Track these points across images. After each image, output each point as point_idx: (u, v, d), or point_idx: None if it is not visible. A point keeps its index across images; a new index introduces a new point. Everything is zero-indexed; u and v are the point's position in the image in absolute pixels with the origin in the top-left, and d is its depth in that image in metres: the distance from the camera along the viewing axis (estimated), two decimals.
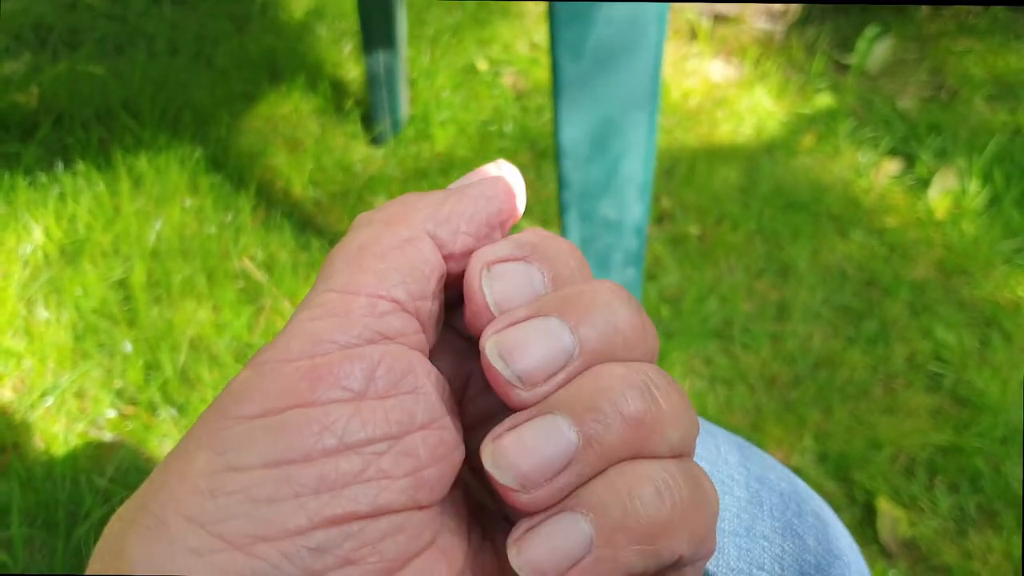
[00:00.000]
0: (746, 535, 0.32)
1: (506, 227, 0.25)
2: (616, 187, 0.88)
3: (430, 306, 0.23)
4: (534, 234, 0.24)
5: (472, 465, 0.26)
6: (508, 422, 0.21)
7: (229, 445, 0.20)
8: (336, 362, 0.21)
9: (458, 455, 0.22)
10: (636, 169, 0.87)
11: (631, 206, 0.90)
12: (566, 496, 0.21)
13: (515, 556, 0.20)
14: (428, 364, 0.22)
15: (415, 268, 0.23)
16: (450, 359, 0.26)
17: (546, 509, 0.21)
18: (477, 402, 0.26)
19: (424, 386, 0.22)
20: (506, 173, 0.25)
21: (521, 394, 0.21)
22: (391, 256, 0.22)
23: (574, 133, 0.84)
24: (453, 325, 0.27)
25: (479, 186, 0.25)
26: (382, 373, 0.21)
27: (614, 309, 0.22)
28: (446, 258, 0.24)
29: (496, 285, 0.23)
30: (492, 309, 0.23)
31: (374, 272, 0.22)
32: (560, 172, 0.88)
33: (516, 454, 0.20)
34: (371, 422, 0.20)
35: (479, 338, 0.22)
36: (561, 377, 0.21)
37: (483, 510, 0.25)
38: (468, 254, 0.24)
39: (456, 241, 0.24)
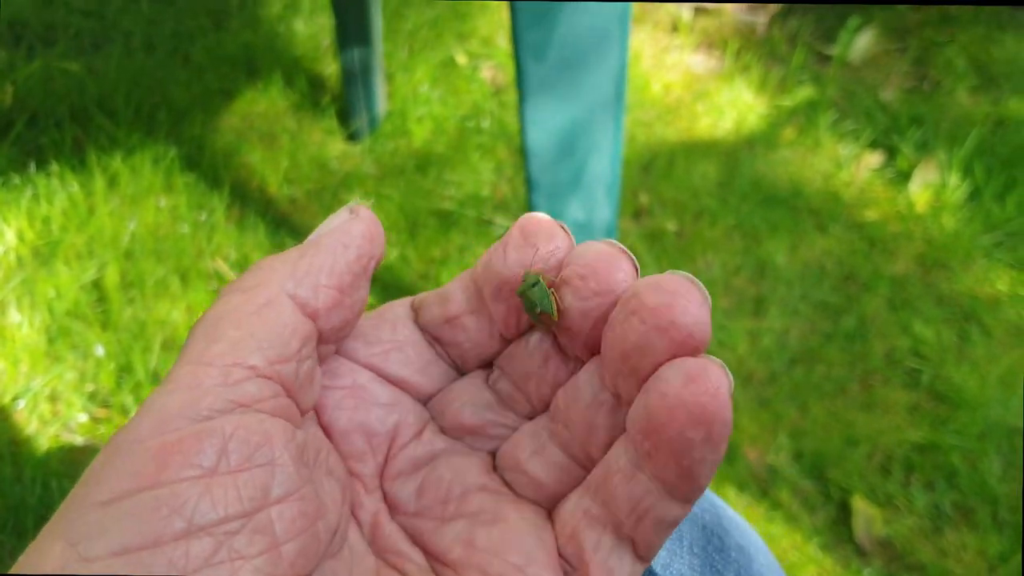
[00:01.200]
0: (662, 574, 0.31)
1: (369, 270, 0.25)
2: (584, 188, 0.87)
3: (295, 368, 0.23)
4: None
5: (399, 509, 0.26)
6: None
7: (82, 534, 0.19)
8: (186, 439, 0.20)
9: (323, 525, 0.22)
10: (604, 169, 0.86)
11: (600, 206, 0.89)
12: None
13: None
14: (290, 432, 0.22)
15: (272, 332, 0.22)
16: (377, 411, 0.26)
17: None
18: (408, 451, 0.26)
19: (280, 457, 0.21)
20: (362, 216, 0.25)
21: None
22: (246, 323, 0.22)
23: (540, 135, 0.84)
24: (383, 374, 0.26)
25: (334, 235, 0.24)
26: (234, 447, 0.20)
27: None
28: (312, 315, 0.23)
29: None
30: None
31: (228, 341, 0.22)
32: (528, 173, 0.87)
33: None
34: (222, 501, 0.20)
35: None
36: None
37: (394, 564, 0.25)
38: (334, 307, 0.24)
39: (318, 297, 0.23)
